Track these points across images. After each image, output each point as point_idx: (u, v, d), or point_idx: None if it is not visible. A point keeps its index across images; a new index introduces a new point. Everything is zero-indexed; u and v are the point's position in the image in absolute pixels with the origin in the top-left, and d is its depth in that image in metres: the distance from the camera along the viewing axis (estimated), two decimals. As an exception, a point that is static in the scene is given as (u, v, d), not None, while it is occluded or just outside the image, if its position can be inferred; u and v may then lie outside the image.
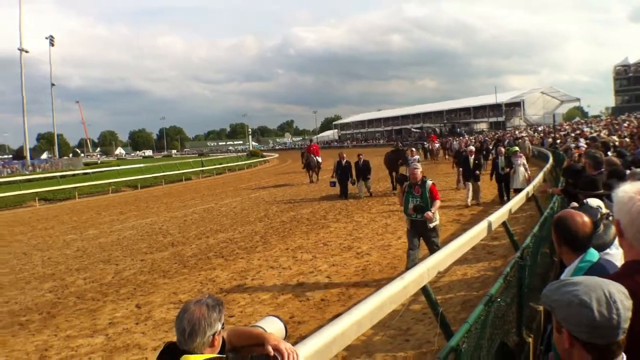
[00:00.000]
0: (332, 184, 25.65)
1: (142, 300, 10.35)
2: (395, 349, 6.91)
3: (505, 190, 19.56)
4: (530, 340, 6.22)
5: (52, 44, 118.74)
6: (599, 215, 4.18)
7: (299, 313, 8.82)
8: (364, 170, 24.20)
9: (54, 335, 8.86)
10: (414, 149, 27.17)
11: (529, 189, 12.35)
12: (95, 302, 10.60)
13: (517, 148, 21.37)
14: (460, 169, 22.27)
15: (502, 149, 20.91)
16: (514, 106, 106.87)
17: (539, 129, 66.56)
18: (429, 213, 9.74)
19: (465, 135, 77.03)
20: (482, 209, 18.41)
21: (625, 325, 1.77)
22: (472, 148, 22.68)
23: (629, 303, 1.80)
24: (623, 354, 1.83)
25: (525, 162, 19.67)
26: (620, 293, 1.81)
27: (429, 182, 10.06)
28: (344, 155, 25.91)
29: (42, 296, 11.43)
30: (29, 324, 9.55)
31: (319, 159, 35.25)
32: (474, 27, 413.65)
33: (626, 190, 2.44)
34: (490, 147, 36.50)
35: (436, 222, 10.01)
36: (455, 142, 49.22)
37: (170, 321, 8.91)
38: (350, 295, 9.67)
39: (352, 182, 24.89)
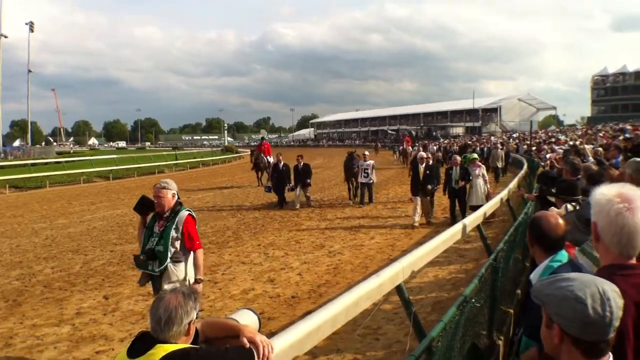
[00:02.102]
0: (268, 189, 23.26)
1: (110, 292, 10.24)
2: (365, 348, 6.90)
3: (460, 207, 16.46)
4: (500, 342, 6.24)
5: (31, 30, 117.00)
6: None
7: (270, 309, 8.78)
8: (303, 176, 21.30)
9: (19, 323, 8.71)
10: (366, 153, 22.75)
11: (503, 195, 12.33)
12: (63, 291, 10.46)
13: (475, 155, 18.65)
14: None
15: (457, 158, 17.35)
16: (491, 112, 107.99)
17: (514, 135, 67.13)
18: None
19: (441, 139, 77.26)
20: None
21: (616, 323, 1.76)
22: (424, 154, 18.39)
23: (620, 302, 1.78)
24: (610, 353, 1.82)
25: (485, 173, 16.97)
26: (613, 291, 1.79)
27: (184, 213, 6.48)
28: (281, 157, 22.90)
29: (8, 284, 11.25)
30: (-6, 311, 9.40)
31: (270, 159, 30.46)
32: (454, 31, 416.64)
33: (604, 192, 2.42)
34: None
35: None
36: (432, 146, 48.72)
37: (138, 313, 8.88)
38: (321, 293, 9.65)
39: (290, 188, 21.76)
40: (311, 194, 22.11)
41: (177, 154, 72.70)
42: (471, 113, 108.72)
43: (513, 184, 14.90)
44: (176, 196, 6.63)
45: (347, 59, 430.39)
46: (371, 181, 21.39)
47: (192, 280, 6.38)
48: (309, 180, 21.36)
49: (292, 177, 21.84)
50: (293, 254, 12.91)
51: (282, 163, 22.22)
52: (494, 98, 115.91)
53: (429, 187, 16.80)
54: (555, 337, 1.84)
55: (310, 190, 21.87)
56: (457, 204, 16.64)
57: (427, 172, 17.01)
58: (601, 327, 1.75)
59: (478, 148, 35.23)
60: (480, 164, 17.17)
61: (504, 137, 67.21)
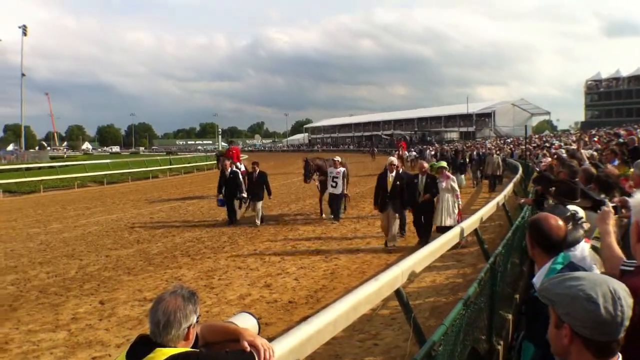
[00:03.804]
0: (220, 203, 19.54)
1: (106, 297, 10.19)
2: (364, 354, 6.87)
3: (424, 225, 13.88)
4: (500, 347, 6.22)
5: (24, 34, 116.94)
6: (568, 213, 4.19)
7: (267, 314, 8.74)
8: (258, 186, 18.67)
9: (15, 328, 8.67)
10: (338, 159, 18.91)
11: (499, 200, 12.28)
12: (58, 296, 10.40)
13: (443, 164, 15.38)
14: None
15: (424, 164, 14.67)
16: (485, 117, 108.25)
17: (508, 140, 67.23)
18: None
19: (435, 144, 77.15)
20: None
21: (627, 323, 1.74)
22: (394, 160, 14.69)
23: (630, 301, 1.77)
24: (619, 353, 1.80)
25: (456, 186, 14.25)
26: (623, 290, 1.78)
27: None
28: (227, 163, 20.11)
29: (3, 289, 11.19)
30: (-11, 317, 9.34)
31: (241, 167, 24.70)
32: (445, 36, 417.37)
33: None
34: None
35: None
36: (428, 151, 48.14)
37: (135, 318, 8.84)
38: (318, 298, 9.63)
39: (238, 197, 19.21)
40: (262, 210, 18.85)
41: (171, 158, 72.47)
42: (465, 118, 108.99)
43: (509, 188, 14.89)
44: None
45: (339, 64, 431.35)
46: (340, 192, 18.16)
47: None
48: (262, 194, 18.62)
49: (243, 187, 19.40)
50: (289, 258, 12.88)
51: (229, 170, 19.47)
52: (487, 103, 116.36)
53: (398, 201, 13.82)
54: (564, 337, 1.82)
55: (260, 206, 18.62)
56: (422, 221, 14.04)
57: (397, 182, 13.87)
58: (613, 327, 1.73)
59: (475, 153, 32.57)
60: (449, 174, 14.25)
61: (498, 141, 67.35)
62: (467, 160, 31.11)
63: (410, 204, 14.24)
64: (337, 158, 19.19)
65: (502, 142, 65.01)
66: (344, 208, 19.47)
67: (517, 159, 34.24)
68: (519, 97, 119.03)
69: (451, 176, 14.32)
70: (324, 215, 18.96)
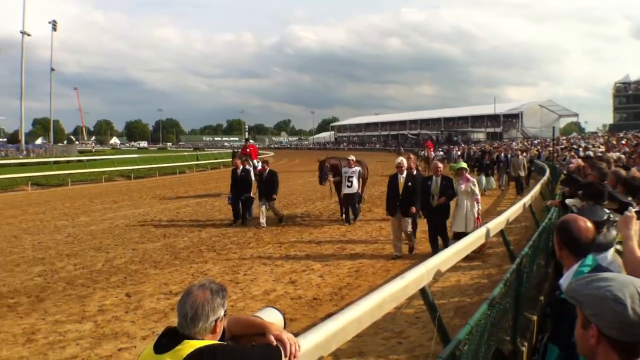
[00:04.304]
0: (231, 200, 18.68)
1: (133, 290, 10.29)
2: (388, 352, 6.87)
3: (438, 232, 12.69)
4: (524, 349, 6.19)
5: (54, 29, 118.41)
6: (605, 217, 4.16)
7: (291, 310, 8.77)
8: (268, 186, 17.87)
9: (42, 319, 8.77)
10: (352, 158, 18.43)
11: (526, 201, 12.18)
12: (85, 288, 10.52)
13: (463, 164, 14.17)
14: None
15: (439, 165, 13.47)
16: (512, 118, 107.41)
17: (535, 141, 66.64)
18: None
19: (462, 144, 76.61)
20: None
21: None
22: (402, 160, 13.49)
23: None
24: None
25: (477, 189, 13.02)
26: None
27: None
28: (238, 162, 19.28)
29: (31, 280, 11.33)
30: (17, 307, 9.46)
31: (258, 165, 23.80)
32: (473, 36, 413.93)
33: None
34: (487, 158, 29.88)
35: None
36: (455, 151, 47.32)
37: (160, 311, 8.93)
38: (342, 295, 9.65)
39: (246, 200, 18.56)
40: (276, 208, 18.45)
41: (198, 154, 72.83)
42: (492, 118, 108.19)
43: (535, 189, 14.78)
44: None
45: (366, 63, 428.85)
46: (355, 192, 17.57)
47: None
48: (274, 195, 17.94)
49: (253, 186, 19.07)
50: (314, 255, 12.91)
51: (240, 169, 18.77)
52: (515, 104, 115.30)
53: (413, 207, 12.77)
54: (591, 338, 1.82)
55: (274, 204, 18.17)
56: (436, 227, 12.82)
57: (409, 184, 12.88)
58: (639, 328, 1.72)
59: (502, 155, 31.00)
60: (469, 177, 13.18)
61: (525, 143, 66.78)
62: (495, 161, 30.06)
63: (423, 208, 13.06)
64: (352, 157, 18.66)
65: (529, 143, 64.39)
66: (358, 210, 18.76)
67: (544, 161, 33.87)
68: (547, 98, 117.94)
69: (471, 179, 13.17)
70: (344, 216, 17.96)
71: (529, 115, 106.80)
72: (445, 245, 11.08)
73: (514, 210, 10.32)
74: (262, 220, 17.35)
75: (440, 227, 12.66)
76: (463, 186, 12.71)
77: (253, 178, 19.20)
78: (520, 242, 12.25)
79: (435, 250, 11.67)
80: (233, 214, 18.34)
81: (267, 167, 18.42)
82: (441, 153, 48.22)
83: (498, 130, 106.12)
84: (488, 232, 7.87)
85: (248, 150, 25.98)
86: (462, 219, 12.60)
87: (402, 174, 13.00)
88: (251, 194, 18.71)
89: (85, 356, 7.22)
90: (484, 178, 26.52)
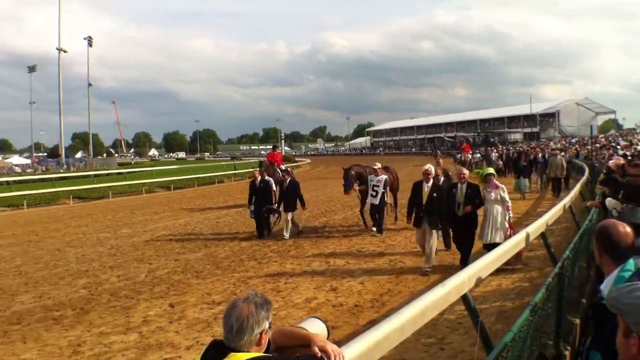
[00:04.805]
0: (253, 214, 17.87)
1: (176, 300, 10.42)
2: (430, 358, 6.86)
3: (466, 243, 11.80)
4: (567, 353, 6.14)
5: (90, 45, 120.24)
6: None
7: (333, 318, 8.79)
8: (290, 197, 17.14)
9: (87, 331, 8.91)
10: (378, 166, 17.27)
11: (566, 201, 12.05)
12: (129, 299, 10.68)
13: (491, 170, 12.81)
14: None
15: (465, 171, 12.40)
16: (549, 117, 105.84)
17: (573, 140, 65.75)
18: None
19: (499, 145, 75.80)
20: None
21: None
22: (430, 168, 12.39)
23: None
24: None
25: (507, 196, 11.88)
26: None
27: None
28: (257, 173, 18.56)
29: (75, 292, 11.53)
30: (62, 319, 9.62)
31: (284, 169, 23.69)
32: (505, 35, 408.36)
33: None
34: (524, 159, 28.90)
35: None
36: (493, 153, 46.04)
37: (204, 321, 9.01)
38: (384, 302, 9.65)
39: (268, 212, 17.76)
40: (299, 220, 18.03)
41: (235, 163, 73.23)
42: (529, 118, 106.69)
43: (575, 190, 14.63)
44: None
45: (399, 67, 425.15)
46: (380, 202, 16.51)
47: None
48: (294, 206, 17.15)
49: (275, 198, 18.28)
50: (354, 262, 12.91)
51: (259, 179, 17.92)
52: (551, 103, 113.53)
53: (435, 215, 11.87)
54: (633, 347, 1.82)
55: (297, 216, 17.69)
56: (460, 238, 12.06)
57: (434, 194, 11.98)
58: None
59: (540, 155, 29.32)
60: (498, 183, 12.06)
61: (563, 142, 65.93)
62: (532, 162, 28.90)
63: (447, 218, 12.17)
64: (377, 165, 17.41)
65: (567, 142, 63.51)
66: (394, 218, 18.44)
67: (583, 160, 33.37)
68: (583, 95, 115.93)
69: (500, 185, 12.02)
70: (368, 228, 17.07)
71: (566, 114, 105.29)
72: (463, 262, 11.07)
73: (554, 213, 10.25)
74: (286, 234, 16.63)
75: (467, 238, 11.77)
76: (492, 194, 11.69)
77: (274, 188, 18.33)
78: (561, 244, 12.12)
79: (463, 263, 11.08)
80: (257, 227, 17.57)
81: (287, 177, 17.75)
82: (478, 155, 46.87)
83: (535, 130, 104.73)
84: (528, 236, 7.82)
85: (272, 158, 25.37)
86: (492, 229, 11.61)
87: (427, 182, 12.08)
88: (274, 206, 17.83)
89: (131, 367, 7.33)
90: (521, 180, 25.94)
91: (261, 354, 2.61)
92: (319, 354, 2.68)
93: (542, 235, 8.98)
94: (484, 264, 5.63)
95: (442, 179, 12.95)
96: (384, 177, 16.71)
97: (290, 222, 16.91)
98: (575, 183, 18.35)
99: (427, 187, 12.01)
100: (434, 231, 11.94)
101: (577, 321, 7.01)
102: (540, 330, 5.21)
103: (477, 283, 5.51)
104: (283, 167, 24.58)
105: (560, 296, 5.99)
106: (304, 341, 2.81)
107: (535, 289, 5.99)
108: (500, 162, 38.83)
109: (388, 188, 16.92)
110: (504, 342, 3.70)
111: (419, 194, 12.12)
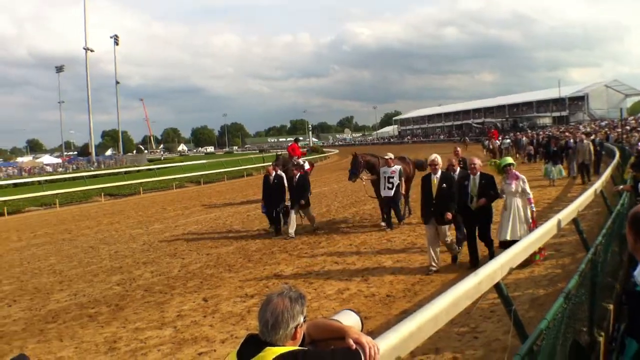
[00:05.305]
0: (265, 210, 17.36)
1: (209, 294, 10.52)
2: (464, 347, 6.85)
3: (483, 238, 10.99)
4: (601, 339, 6.11)
5: (116, 43, 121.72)
6: None
7: (365, 308, 8.79)
8: (299, 192, 16.36)
9: (122, 327, 9.05)
10: (390, 156, 16.23)
11: (597, 187, 11.88)
12: (163, 295, 10.82)
13: (509, 160, 11.72)
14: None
15: (476, 161, 11.22)
16: (578, 100, 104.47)
17: (602, 123, 64.85)
18: None
19: (528, 131, 74.92)
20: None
21: None
22: (437, 158, 11.25)
23: None
24: None
25: (528, 187, 10.86)
26: None
27: None
28: (270, 168, 17.52)
29: (110, 289, 11.72)
30: (97, 316, 9.79)
31: (304, 164, 22.43)
32: (530, 19, 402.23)
33: None
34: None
35: None
36: (524, 139, 44.91)
37: (237, 314, 9.09)
38: (415, 291, 9.64)
39: (280, 209, 16.85)
40: (312, 214, 17.07)
41: (264, 156, 73.41)
42: (557, 102, 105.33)
43: (606, 174, 14.47)
44: None
45: (424, 55, 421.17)
46: (395, 194, 15.69)
47: None
48: (302, 200, 16.24)
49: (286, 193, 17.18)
50: (385, 252, 12.89)
51: (273, 175, 17.08)
52: (580, 86, 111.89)
53: (448, 213, 10.79)
54: None
55: (309, 210, 16.76)
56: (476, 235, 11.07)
57: (443, 185, 10.93)
58: None
59: (571, 140, 27.72)
60: (518, 173, 11.01)
61: (593, 125, 65.07)
62: (563, 148, 27.49)
63: (458, 212, 11.19)
64: (389, 155, 16.35)
65: (596, 125, 62.63)
66: (408, 212, 17.50)
67: (613, 143, 32.80)
68: (612, 77, 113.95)
69: (521, 176, 10.94)
70: (382, 224, 16.16)
71: (595, 97, 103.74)
72: (491, 253, 10.44)
73: (585, 198, 10.09)
74: (291, 230, 15.99)
75: (482, 232, 10.94)
76: (512, 185, 10.72)
77: (286, 184, 17.14)
78: (593, 229, 11.96)
79: (475, 259, 10.80)
80: (270, 224, 17.21)
81: (297, 172, 16.79)
82: (508, 141, 45.81)
83: (564, 114, 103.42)
84: (560, 222, 7.77)
85: (292, 150, 24.85)
86: (511, 224, 10.66)
87: (435, 174, 11.05)
88: (285, 202, 16.99)
89: (167, 361, 7.41)
90: (551, 167, 24.64)
91: (296, 347, 2.63)
92: (354, 347, 2.70)
93: (574, 221, 8.90)
94: (515, 253, 5.61)
95: (458, 168, 11.87)
96: (397, 167, 15.95)
97: (303, 217, 16.62)
98: (606, 167, 18.04)
99: (435, 179, 11.00)
100: (446, 227, 10.94)
101: (611, 307, 6.95)
102: (574, 317, 5.19)
103: (510, 272, 5.49)
104: (301, 160, 23.37)
105: (594, 282, 5.95)
106: (338, 334, 2.82)
107: (568, 276, 5.96)
108: (531, 148, 38.03)
109: (403, 179, 16.17)
110: (539, 328, 3.69)
111: (428, 188, 11.08)
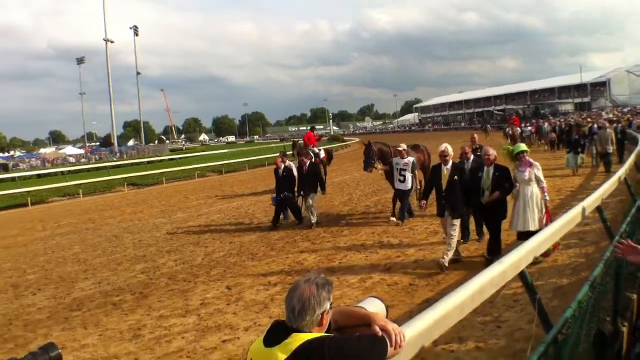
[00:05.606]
0: (275, 201, 16.80)
1: (232, 282, 10.59)
2: (487, 336, 6.84)
3: (491, 235, 10.49)
4: (624, 329, 6.09)
5: (136, 34, 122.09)
6: None
7: (388, 297, 8.77)
8: (310, 181, 16.12)
9: (146, 314, 9.16)
10: (403, 147, 15.26)
11: (620, 173, 11.77)
12: (187, 283, 10.92)
13: (523, 147, 10.89)
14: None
15: (491, 152, 10.50)
16: (599, 86, 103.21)
17: (625, 110, 64.13)
18: None
19: (550, 117, 74.25)
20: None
21: None
22: (447, 148, 10.51)
23: None
24: None
25: (541, 175, 10.37)
26: None
27: None
28: (279, 160, 16.90)
29: (134, 277, 11.85)
30: (122, 304, 9.91)
31: (320, 152, 24.05)
32: (551, 4, 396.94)
33: None
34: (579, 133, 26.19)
35: None
36: (546, 125, 44.17)
37: (260, 302, 9.15)
38: (438, 280, 9.63)
39: (284, 198, 16.36)
40: (315, 209, 16.42)
41: (285, 145, 73.46)
42: (579, 88, 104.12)
43: (630, 161, 14.33)
44: None
45: (445, 40, 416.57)
46: (407, 188, 14.95)
47: None
48: (313, 192, 16.00)
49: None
50: (408, 241, 12.89)
51: (282, 167, 16.55)
52: (601, 71, 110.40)
53: (456, 202, 10.29)
54: None
55: (313, 203, 16.20)
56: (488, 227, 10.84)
57: (454, 176, 10.39)
58: None
59: (595, 126, 27.14)
60: (531, 160, 10.45)
61: (616, 111, 64.34)
62: (585, 135, 26.76)
63: (470, 205, 10.71)
64: (403, 146, 15.40)
65: (619, 112, 61.92)
66: (417, 199, 16.00)
67: (636, 130, 32.35)
68: (633, 63, 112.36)
69: (535, 163, 10.39)
70: (392, 219, 15.21)
71: (617, 83, 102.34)
72: (490, 259, 9.49)
73: (609, 185, 9.97)
74: (313, 219, 15.84)
75: (495, 226, 10.39)
76: (526, 173, 10.19)
77: (296, 174, 16.71)
78: (617, 217, 11.83)
79: (491, 256, 9.94)
80: (274, 216, 16.57)
81: (306, 161, 16.38)
82: (529, 128, 44.93)
83: (586, 100, 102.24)
84: (584, 210, 7.72)
85: (308, 138, 25.36)
86: (525, 214, 10.17)
87: (446, 164, 10.49)
88: (294, 192, 16.47)
89: (191, 349, 7.49)
90: (572, 155, 23.59)
91: (323, 334, 2.66)
92: (380, 333, 2.72)
93: (598, 209, 8.84)
94: (539, 241, 5.59)
95: (472, 157, 11.43)
96: (410, 159, 15.04)
97: (310, 207, 16.06)
98: (629, 154, 17.81)
99: (446, 170, 10.45)
100: (457, 221, 10.30)
101: (634, 297, 6.92)
102: (598, 305, 5.18)
103: (534, 260, 5.48)
104: (317, 149, 23.89)
105: (618, 272, 5.93)
106: (364, 321, 2.85)
107: (591, 265, 5.93)
108: (554, 135, 37.33)
109: (417, 170, 15.53)
110: (564, 317, 3.70)
111: (437, 179, 10.58)
